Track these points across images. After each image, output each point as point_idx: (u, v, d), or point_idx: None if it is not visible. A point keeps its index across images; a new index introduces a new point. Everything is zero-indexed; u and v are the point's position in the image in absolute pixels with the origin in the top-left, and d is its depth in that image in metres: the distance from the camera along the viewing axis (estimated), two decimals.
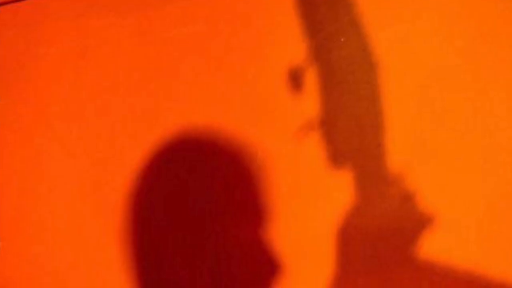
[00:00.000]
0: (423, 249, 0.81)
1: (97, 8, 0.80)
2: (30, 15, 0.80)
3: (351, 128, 0.81)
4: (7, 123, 0.80)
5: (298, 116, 0.81)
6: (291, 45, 0.80)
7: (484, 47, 0.81)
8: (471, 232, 0.81)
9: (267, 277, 0.80)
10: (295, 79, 0.80)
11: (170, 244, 0.80)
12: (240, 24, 0.80)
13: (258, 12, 0.81)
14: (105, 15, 0.79)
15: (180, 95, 0.80)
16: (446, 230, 0.81)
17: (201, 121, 0.80)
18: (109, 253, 0.80)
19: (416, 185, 0.81)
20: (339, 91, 0.81)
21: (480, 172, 0.81)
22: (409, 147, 0.81)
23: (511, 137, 0.81)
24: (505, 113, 0.81)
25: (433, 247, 0.81)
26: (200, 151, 0.80)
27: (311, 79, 0.80)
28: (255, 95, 0.81)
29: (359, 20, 0.80)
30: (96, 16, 0.79)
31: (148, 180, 0.80)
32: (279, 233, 0.80)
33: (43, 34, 0.80)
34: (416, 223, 0.81)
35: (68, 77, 0.80)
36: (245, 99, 0.81)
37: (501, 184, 0.81)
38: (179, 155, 0.80)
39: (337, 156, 0.81)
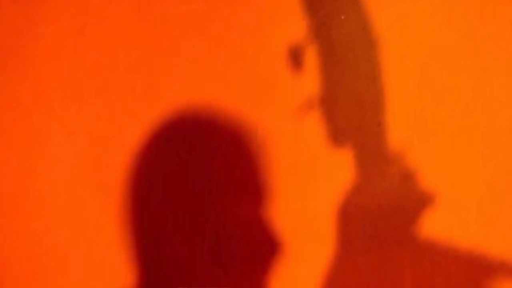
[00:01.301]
0: (424, 228, 0.81)
1: None
2: None
3: (351, 106, 0.81)
4: (6, 101, 0.80)
5: (298, 94, 0.80)
6: (291, 23, 0.80)
7: (484, 26, 0.81)
8: (471, 211, 0.81)
9: (267, 256, 0.80)
10: (295, 57, 0.80)
11: (170, 223, 0.80)
12: (240, 1, 0.80)
13: None
14: None
15: (179, 73, 0.80)
16: (447, 209, 0.81)
17: (200, 100, 0.80)
18: (108, 231, 0.80)
19: (416, 164, 0.81)
20: (339, 69, 0.80)
21: (481, 151, 0.81)
22: (410, 125, 0.81)
23: (511, 116, 0.81)
24: (506, 92, 0.81)
25: (434, 226, 0.81)
26: (200, 129, 0.80)
27: (311, 57, 0.80)
28: (255, 73, 0.80)
29: None
30: None
31: (147, 158, 0.80)
32: (279, 211, 0.80)
33: (42, 12, 0.79)
34: (417, 202, 0.81)
35: (67, 54, 0.80)
36: (245, 77, 0.80)
37: (501, 163, 0.81)
38: (178, 133, 0.80)
39: (337, 134, 0.81)
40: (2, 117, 0.80)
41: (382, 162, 0.81)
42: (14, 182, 0.81)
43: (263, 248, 0.80)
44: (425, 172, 0.81)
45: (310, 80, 0.80)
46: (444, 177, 0.81)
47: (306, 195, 0.81)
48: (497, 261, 0.80)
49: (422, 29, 0.81)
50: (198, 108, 0.80)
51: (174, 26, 0.80)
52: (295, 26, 0.80)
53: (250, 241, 0.80)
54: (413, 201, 0.81)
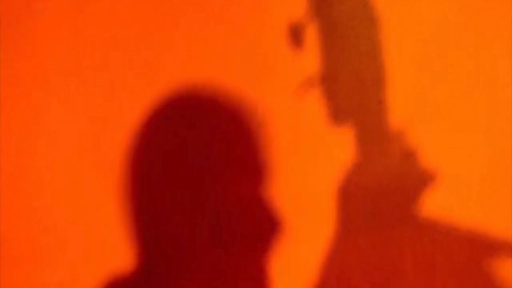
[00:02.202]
0: (424, 207, 0.81)
1: None
2: None
3: (352, 84, 0.80)
4: (5, 78, 0.79)
5: (298, 72, 0.80)
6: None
7: (486, 3, 0.81)
8: (472, 190, 0.81)
9: (267, 234, 0.80)
10: (296, 35, 0.79)
11: (170, 201, 0.80)
12: None
13: None
14: None
15: (179, 50, 0.80)
16: (448, 187, 0.80)
17: (200, 77, 0.80)
18: (107, 209, 0.79)
19: (417, 142, 0.80)
20: (340, 46, 0.80)
21: (482, 129, 0.81)
22: (411, 103, 0.80)
23: None
24: (507, 69, 0.81)
25: (435, 204, 0.81)
26: (200, 107, 0.80)
27: (311, 35, 0.80)
28: (255, 51, 0.80)
29: None
30: None
31: (147, 136, 0.79)
32: (279, 190, 0.79)
33: None
34: (418, 180, 0.80)
35: (66, 31, 0.79)
36: (245, 55, 0.80)
37: (503, 141, 0.81)
38: (178, 111, 0.80)
39: (337, 112, 0.80)
40: (1, 94, 0.80)
41: (382, 140, 0.80)
42: (13, 160, 0.80)
43: (263, 227, 0.80)
44: (426, 151, 0.80)
45: (311, 58, 0.80)
46: (445, 156, 0.80)
47: (307, 173, 0.81)
48: (498, 240, 0.80)
49: (423, 6, 0.80)
50: (197, 85, 0.79)
51: (174, 2, 0.79)
52: (296, 3, 0.79)
53: (250, 220, 0.80)
54: (414, 179, 0.80)
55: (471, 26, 0.80)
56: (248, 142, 0.80)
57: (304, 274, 0.81)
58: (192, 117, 0.80)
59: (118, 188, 0.80)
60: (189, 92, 0.80)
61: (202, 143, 0.80)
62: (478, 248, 0.80)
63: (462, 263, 0.80)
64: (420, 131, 0.80)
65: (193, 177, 0.80)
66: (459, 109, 0.80)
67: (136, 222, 0.80)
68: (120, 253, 0.80)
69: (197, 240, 0.80)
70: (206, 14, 0.80)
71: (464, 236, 0.80)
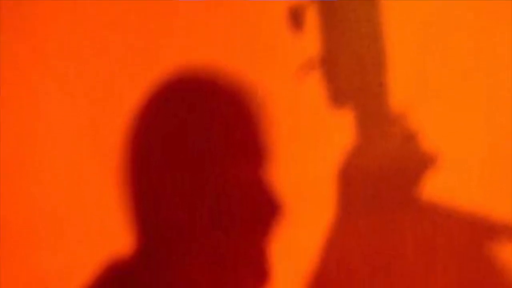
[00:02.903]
0: (425, 189, 0.80)
1: None
2: None
3: (352, 67, 0.80)
4: (4, 62, 0.79)
5: (298, 54, 0.79)
6: None
7: None
8: (473, 173, 0.80)
9: (267, 218, 0.79)
10: (296, 17, 0.79)
11: (169, 185, 0.79)
12: None
13: None
14: None
15: (179, 33, 0.79)
16: (449, 170, 0.80)
17: (200, 60, 0.79)
18: (107, 194, 0.79)
19: (418, 125, 0.80)
20: (340, 29, 0.80)
21: (483, 111, 0.80)
22: (412, 86, 0.80)
23: None
24: (509, 52, 0.80)
25: (435, 187, 0.80)
26: (200, 90, 0.79)
27: (312, 17, 0.79)
28: (255, 33, 0.79)
29: None
30: None
31: (146, 119, 0.79)
32: (279, 173, 0.79)
33: None
34: (419, 163, 0.80)
35: (65, 14, 0.79)
36: (245, 37, 0.79)
37: (504, 124, 0.80)
38: (178, 94, 0.79)
39: (338, 95, 0.80)
40: (0, 78, 0.79)
41: (383, 123, 0.80)
42: (12, 145, 0.80)
43: (263, 210, 0.79)
44: (427, 133, 0.80)
45: (311, 40, 0.80)
46: (446, 138, 0.80)
47: (307, 156, 0.80)
48: (499, 223, 0.80)
49: None
50: (197, 68, 0.79)
51: None
52: None
53: (250, 203, 0.79)
54: (415, 162, 0.80)
55: (472, 8, 0.80)
56: (248, 125, 0.79)
57: (304, 258, 0.80)
58: (191, 100, 0.79)
59: (117, 172, 0.79)
60: (189, 75, 0.79)
61: (202, 126, 0.80)
62: (479, 231, 0.80)
63: (463, 246, 0.80)
64: (421, 113, 0.80)
65: (193, 160, 0.80)
66: (460, 91, 0.80)
67: (136, 205, 0.80)
68: (120, 237, 0.79)
69: (197, 223, 0.80)
70: None
71: (465, 219, 0.80)
